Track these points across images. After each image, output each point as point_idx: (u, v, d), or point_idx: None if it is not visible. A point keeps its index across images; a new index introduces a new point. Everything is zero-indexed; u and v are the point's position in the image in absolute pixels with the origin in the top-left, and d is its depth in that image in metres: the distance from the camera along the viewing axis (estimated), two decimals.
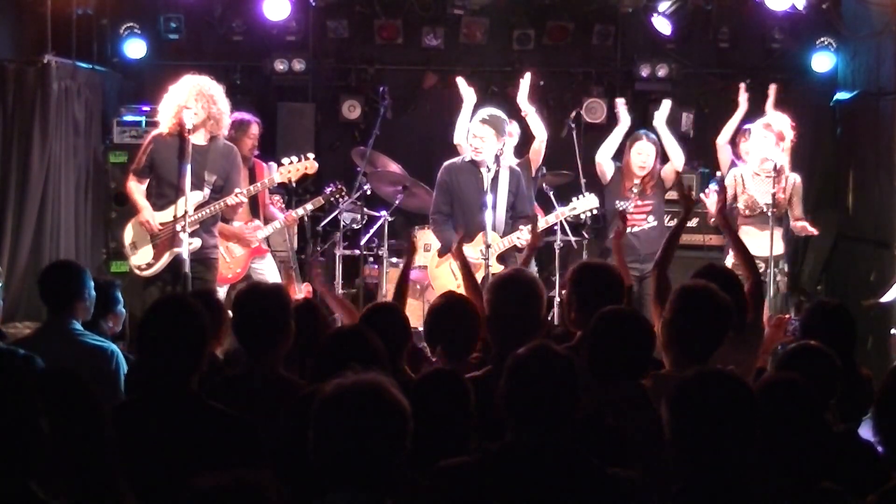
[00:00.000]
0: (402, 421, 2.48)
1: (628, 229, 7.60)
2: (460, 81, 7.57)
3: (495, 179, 6.92)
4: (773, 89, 7.78)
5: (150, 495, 2.97)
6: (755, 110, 7.77)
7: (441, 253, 7.32)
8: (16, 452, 2.37)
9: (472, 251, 6.90)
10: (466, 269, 5.11)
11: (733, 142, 7.86)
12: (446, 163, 7.23)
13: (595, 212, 7.51)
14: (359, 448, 2.42)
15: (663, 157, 7.67)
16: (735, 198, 7.34)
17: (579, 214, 7.49)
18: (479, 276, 6.58)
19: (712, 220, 7.61)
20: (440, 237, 7.23)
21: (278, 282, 7.22)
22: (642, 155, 7.61)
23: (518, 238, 6.99)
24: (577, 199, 7.46)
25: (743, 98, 7.78)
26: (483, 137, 6.96)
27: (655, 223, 7.64)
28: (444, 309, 4.19)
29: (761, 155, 7.21)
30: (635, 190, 7.58)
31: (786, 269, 7.40)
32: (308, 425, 2.50)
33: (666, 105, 7.78)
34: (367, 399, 2.45)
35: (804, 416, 3.00)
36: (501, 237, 7.02)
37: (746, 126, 7.75)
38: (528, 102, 7.59)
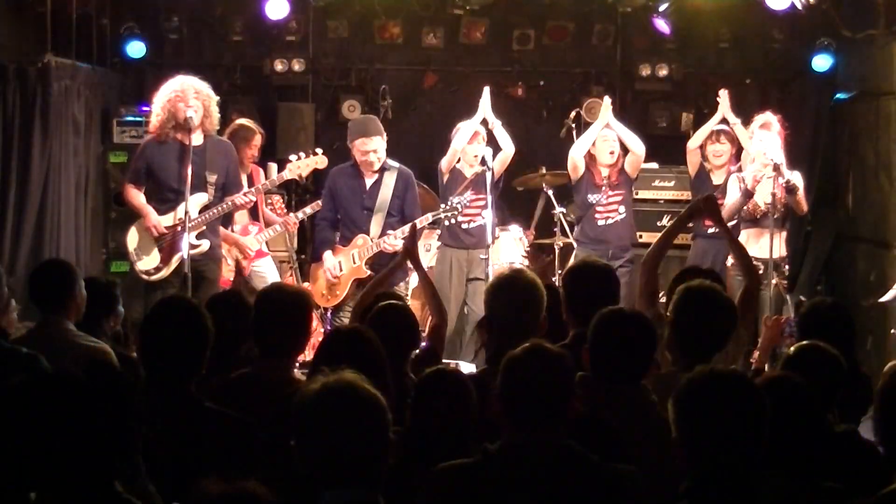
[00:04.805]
0: (378, 415, 2.48)
1: (601, 222, 7.65)
2: (486, 97, 7.52)
3: (377, 183, 6.92)
4: (724, 94, 7.67)
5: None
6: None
7: (312, 258, 7.41)
8: (107, 455, 2.41)
9: (344, 256, 6.90)
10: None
11: (701, 145, 7.87)
12: (333, 168, 7.21)
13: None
14: (340, 448, 2.43)
15: (624, 148, 7.69)
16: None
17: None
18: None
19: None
20: (315, 240, 7.27)
21: (302, 285, 7.18)
22: (609, 142, 7.63)
23: (385, 242, 6.80)
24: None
25: (725, 104, 7.69)
26: (376, 150, 6.87)
27: (625, 214, 7.65)
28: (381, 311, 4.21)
29: (765, 155, 7.13)
30: (605, 182, 7.59)
31: (786, 270, 7.39)
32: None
33: (606, 102, 7.75)
34: (339, 399, 2.46)
35: (804, 415, 3.00)
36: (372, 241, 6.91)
37: (718, 128, 7.73)
38: (493, 115, 7.56)
